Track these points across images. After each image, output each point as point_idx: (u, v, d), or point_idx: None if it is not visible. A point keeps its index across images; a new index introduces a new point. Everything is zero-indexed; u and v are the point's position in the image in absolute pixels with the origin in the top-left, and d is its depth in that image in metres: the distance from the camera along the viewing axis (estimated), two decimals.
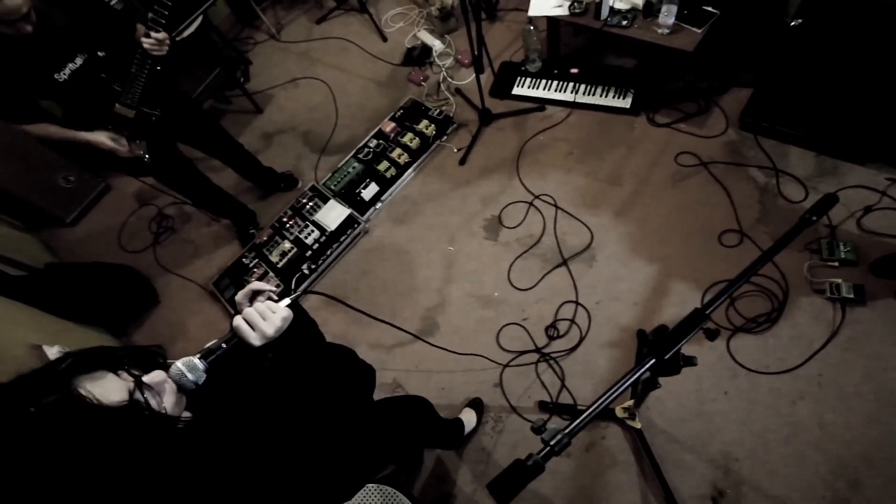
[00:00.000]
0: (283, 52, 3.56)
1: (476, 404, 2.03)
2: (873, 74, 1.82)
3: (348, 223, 2.58)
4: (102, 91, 1.79)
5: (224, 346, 0.84)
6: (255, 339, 0.82)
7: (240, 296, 0.93)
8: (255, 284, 0.94)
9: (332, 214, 2.62)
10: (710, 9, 2.06)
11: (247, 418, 0.87)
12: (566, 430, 0.66)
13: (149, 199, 3.11)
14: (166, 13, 1.70)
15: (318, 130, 3.10)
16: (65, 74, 1.67)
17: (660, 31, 2.08)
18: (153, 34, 1.69)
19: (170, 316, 2.63)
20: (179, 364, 0.78)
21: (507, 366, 2.10)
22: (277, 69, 3.46)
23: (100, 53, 1.73)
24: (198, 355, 0.82)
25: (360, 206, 2.64)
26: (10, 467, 0.60)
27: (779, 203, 2.14)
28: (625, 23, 2.15)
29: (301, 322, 0.90)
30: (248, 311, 0.84)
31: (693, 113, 2.44)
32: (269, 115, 3.27)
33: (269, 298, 0.95)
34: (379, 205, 2.65)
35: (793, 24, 1.85)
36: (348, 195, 2.68)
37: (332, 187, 2.73)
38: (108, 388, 0.68)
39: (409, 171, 2.71)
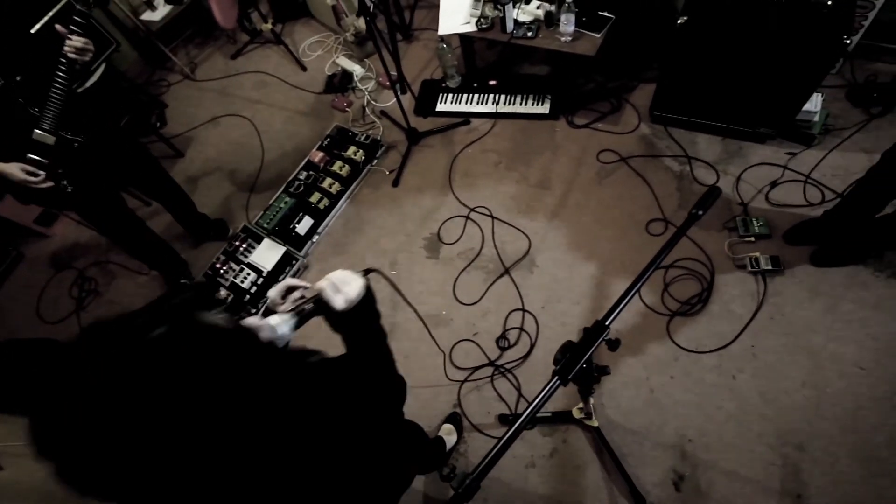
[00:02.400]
0: (199, 91, 3.43)
1: (453, 419, 2.00)
2: (756, 60, 1.96)
3: (286, 261, 2.50)
4: (19, 116, 1.71)
5: (308, 307, 0.87)
6: (339, 302, 0.85)
7: (274, 292, 0.94)
8: (290, 280, 0.97)
9: (268, 254, 2.53)
10: (606, 14, 2.17)
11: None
12: (473, 475, 0.64)
13: (67, 263, 2.89)
14: (84, 22, 1.65)
15: (244, 168, 3.00)
16: None
17: (562, 38, 2.17)
18: (74, 37, 1.64)
19: None
20: (273, 318, 0.82)
21: (462, 384, 2.08)
22: (196, 109, 3.33)
23: (17, 78, 1.67)
24: (288, 313, 0.86)
25: (296, 242, 2.56)
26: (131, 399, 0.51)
27: (694, 188, 2.26)
28: (530, 34, 2.23)
29: (372, 297, 0.92)
30: (332, 275, 0.87)
31: (607, 112, 2.54)
32: (191, 158, 3.14)
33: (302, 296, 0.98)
34: (315, 238, 2.59)
35: (679, 21, 1.97)
36: (283, 232, 2.60)
37: (265, 225, 2.64)
38: (217, 319, 0.64)
39: (343, 199, 2.67)
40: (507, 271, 2.29)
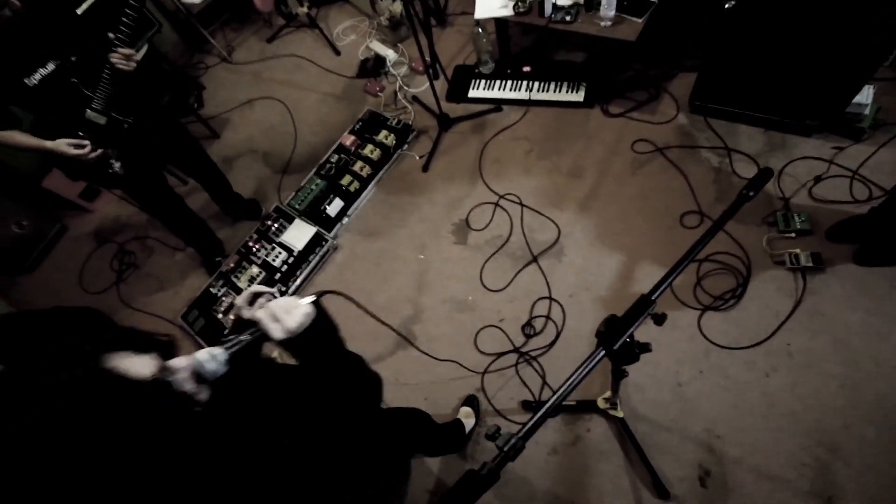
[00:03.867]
0: (236, 74, 3.50)
1: (471, 401, 2.03)
2: (806, 49, 1.88)
3: (316, 241, 2.54)
4: (73, 96, 1.79)
5: (246, 339, 0.84)
6: (277, 332, 0.82)
7: (240, 300, 0.93)
8: (256, 287, 0.94)
9: (299, 234, 2.58)
10: None
11: (262, 417, 0.86)
12: (520, 434, 0.65)
13: (108, 237, 3.02)
14: (129, 31, 1.73)
15: (278, 150, 3.05)
16: (35, 79, 1.68)
17: (602, 23, 2.12)
18: (120, 50, 1.73)
19: None
20: (201, 353, 0.78)
21: (485, 371, 2.09)
22: (232, 91, 3.41)
23: (72, 59, 1.75)
24: (221, 346, 0.82)
25: (327, 223, 2.60)
26: (28, 441, 0.56)
27: (733, 181, 2.20)
28: (568, 18, 2.19)
29: (323, 321, 0.90)
30: (272, 303, 0.84)
31: (644, 101, 2.48)
32: (226, 139, 3.21)
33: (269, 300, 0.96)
34: (345, 220, 2.62)
35: (727, 6, 1.90)
36: (313, 213, 2.65)
37: (297, 206, 2.69)
38: (136, 364, 0.67)
39: (373, 182, 2.69)
40: (535, 259, 2.28)
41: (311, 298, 0.89)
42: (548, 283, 2.21)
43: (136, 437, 0.63)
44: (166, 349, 0.79)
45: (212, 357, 0.78)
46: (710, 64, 2.19)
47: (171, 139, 2.24)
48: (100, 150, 1.88)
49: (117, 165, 1.95)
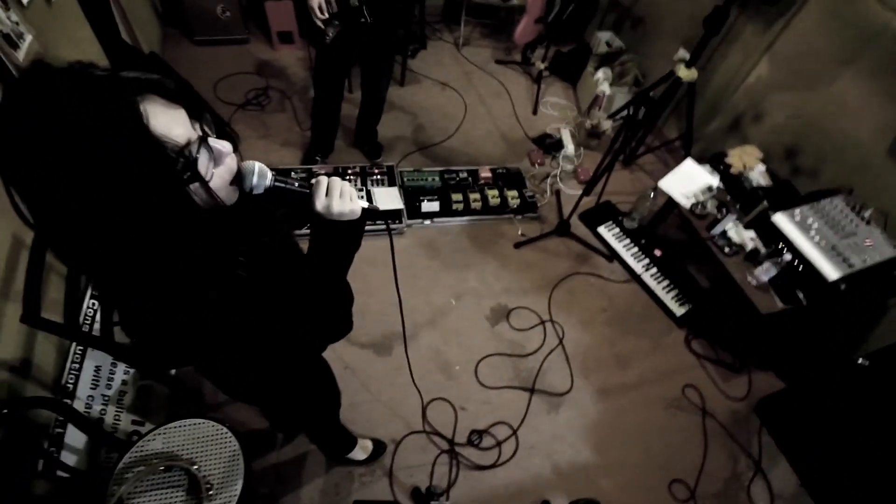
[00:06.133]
0: (453, 60, 3.79)
1: (379, 446, 1.94)
2: (884, 463, 1.77)
3: (394, 214, 2.61)
4: None
5: (295, 186, 0.80)
6: (319, 203, 0.78)
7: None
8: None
9: (387, 198, 2.66)
10: (801, 296, 2.09)
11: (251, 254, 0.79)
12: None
13: (266, 74, 3.26)
14: None
15: (430, 131, 3.23)
16: None
17: (749, 278, 2.12)
18: None
19: None
20: (254, 163, 0.75)
21: (411, 434, 2.00)
22: (439, 68, 3.68)
23: None
24: (272, 171, 0.77)
25: (412, 211, 2.67)
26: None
27: (740, 496, 2.05)
28: (727, 250, 2.21)
29: (354, 231, 0.84)
30: (335, 179, 0.81)
31: (726, 363, 2.41)
32: (405, 92, 3.44)
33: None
34: (426, 222, 2.68)
35: (860, 361, 1.85)
36: (411, 195, 2.73)
37: (405, 180, 2.80)
38: (175, 122, 0.61)
39: (472, 217, 2.76)
40: (531, 390, 2.20)
41: (366, 205, 0.84)
42: (523, 419, 2.11)
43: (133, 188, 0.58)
44: (221, 132, 0.73)
45: (260, 173, 0.74)
46: (802, 392, 2.11)
47: (379, 54, 2.43)
48: (325, 26, 2.07)
49: (331, 33, 2.13)
